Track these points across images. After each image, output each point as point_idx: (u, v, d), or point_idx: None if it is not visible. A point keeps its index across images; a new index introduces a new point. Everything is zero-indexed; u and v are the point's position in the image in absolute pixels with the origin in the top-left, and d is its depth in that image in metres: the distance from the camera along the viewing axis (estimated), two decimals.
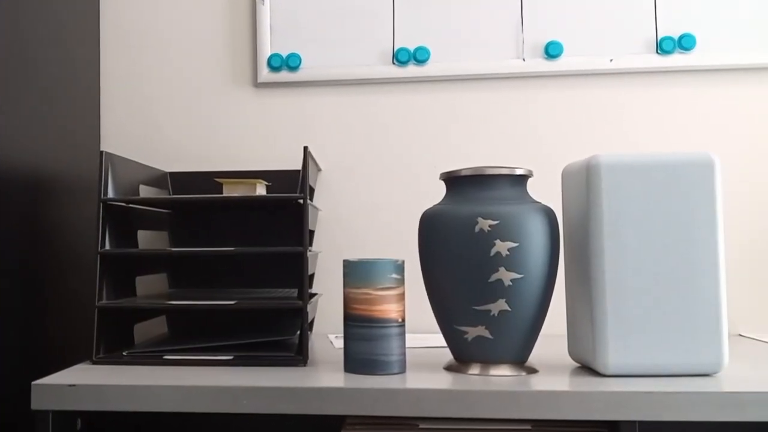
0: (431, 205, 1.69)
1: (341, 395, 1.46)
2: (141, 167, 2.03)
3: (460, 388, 1.45)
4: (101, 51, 2.42)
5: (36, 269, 1.92)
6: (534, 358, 1.75)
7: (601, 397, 1.40)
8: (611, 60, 2.23)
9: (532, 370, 1.59)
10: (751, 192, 2.19)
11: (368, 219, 2.30)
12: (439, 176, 1.71)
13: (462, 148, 2.28)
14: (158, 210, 2.14)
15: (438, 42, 2.29)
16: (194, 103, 2.39)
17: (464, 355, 1.60)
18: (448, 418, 1.49)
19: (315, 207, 2.09)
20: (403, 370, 1.59)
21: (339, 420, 1.48)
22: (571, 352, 1.67)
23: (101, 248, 1.74)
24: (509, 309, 1.53)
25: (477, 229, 1.53)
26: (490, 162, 2.26)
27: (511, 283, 1.52)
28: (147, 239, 2.30)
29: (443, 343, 1.90)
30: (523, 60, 2.26)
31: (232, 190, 1.93)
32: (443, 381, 1.51)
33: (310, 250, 1.82)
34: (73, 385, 1.50)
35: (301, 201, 1.75)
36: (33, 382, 1.51)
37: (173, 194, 2.23)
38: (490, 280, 1.52)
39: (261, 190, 1.97)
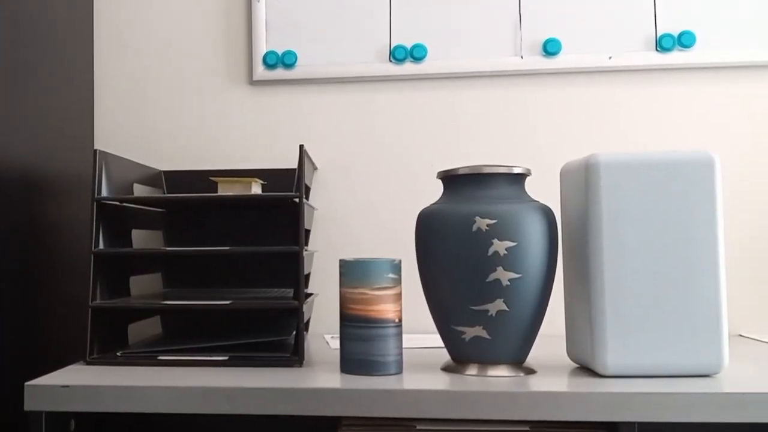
0: (428, 204, 1.69)
1: (337, 396, 1.46)
2: (135, 166, 2.03)
3: (457, 388, 1.44)
4: (95, 49, 2.42)
5: (29, 269, 1.92)
6: (532, 358, 1.75)
7: (599, 398, 1.40)
8: (610, 57, 2.23)
9: (530, 371, 1.59)
10: (751, 191, 2.19)
11: (365, 218, 2.30)
12: (436, 175, 1.71)
13: (459, 146, 2.28)
14: (153, 209, 2.14)
15: (435, 39, 2.28)
16: (189, 101, 2.39)
17: (462, 355, 1.60)
18: (445, 419, 1.48)
19: (311, 206, 2.09)
20: (399, 370, 1.59)
21: (335, 421, 1.48)
22: (570, 353, 1.67)
23: (95, 247, 1.74)
24: (507, 309, 1.53)
25: (474, 228, 1.53)
26: (487, 160, 2.26)
27: (509, 283, 1.52)
28: (141, 238, 2.29)
29: (440, 343, 1.90)
30: (521, 57, 2.26)
31: (227, 189, 1.93)
32: (440, 382, 1.51)
33: (306, 250, 1.82)
34: (67, 386, 1.50)
35: (297, 200, 1.75)
36: (26, 383, 1.50)
37: (168, 193, 2.23)
38: (487, 280, 1.52)
39: (256, 189, 1.97)
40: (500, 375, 1.55)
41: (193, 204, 2.00)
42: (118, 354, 1.74)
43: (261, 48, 2.33)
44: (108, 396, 1.48)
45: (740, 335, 2.13)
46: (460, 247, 1.54)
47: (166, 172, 2.26)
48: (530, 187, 2.23)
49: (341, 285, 1.61)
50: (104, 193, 1.79)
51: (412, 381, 1.51)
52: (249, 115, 2.36)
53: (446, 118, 2.29)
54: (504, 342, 1.56)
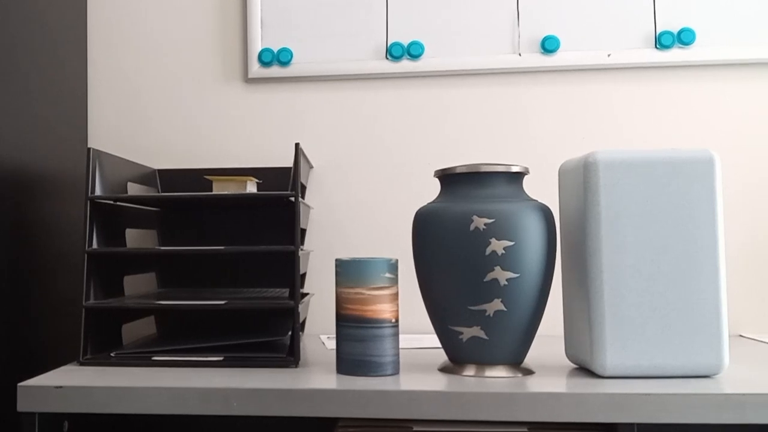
0: (425, 203, 1.69)
1: (333, 397, 1.46)
2: (129, 164, 2.03)
3: (454, 389, 1.44)
4: (88, 46, 2.42)
5: (22, 268, 1.92)
6: (530, 359, 1.74)
7: (598, 399, 1.40)
8: (609, 55, 2.23)
9: (528, 372, 1.59)
10: (751, 190, 2.19)
11: (361, 217, 2.30)
12: (433, 174, 1.70)
13: (457, 144, 2.28)
14: (147, 208, 2.13)
15: (432, 37, 2.28)
16: (183, 99, 2.38)
17: (459, 356, 1.60)
18: (442, 421, 1.49)
19: (307, 205, 2.09)
20: (396, 371, 1.59)
21: (331, 422, 1.48)
22: (568, 353, 1.67)
23: (88, 247, 1.74)
24: (505, 309, 1.53)
25: (472, 227, 1.53)
26: (485, 159, 2.26)
27: (506, 283, 1.52)
28: (135, 238, 2.29)
29: (437, 343, 1.90)
30: (519, 55, 2.26)
31: (222, 188, 1.93)
32: (437, 382, 1.51)
33: (301, 249, 1.82)
34: (60, 387, 1.49)
35: (293, 199, 1.75)
36: (19, 384, 1.50)
37: (162, 192, 2.23)
38: (485, 280, 1.52)
39: (251, 187, 1.96)
40: (498, 376, 1.55)
41: (187, 203, 2.00)
42: (112, 354, 1.73)
43: (256, 45, 2.33)
44: (102, 397, 1.48)
45: (740, 335, 2.13)
46: (457, 246, 1.54)
47: (161, 171, 2.26)
48: (528, 185, 2.23)
49: (337, 285, 1.61)
50: (98, 191, 1.78)
51: (408, 382, 1.51)
52: (244, 113, 2.36)
53: (444, 116, 2.29)
54: (502, 342, 1.56)
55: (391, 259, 1.59)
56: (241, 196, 1.74)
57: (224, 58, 2.38)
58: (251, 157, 2.32)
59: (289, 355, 1.70)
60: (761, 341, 2.02)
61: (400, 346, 1.63)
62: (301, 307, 1.73)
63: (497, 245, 1.52)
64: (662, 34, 2.20)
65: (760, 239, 2.18)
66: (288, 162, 2.31)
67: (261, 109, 2.35)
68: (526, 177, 1.74)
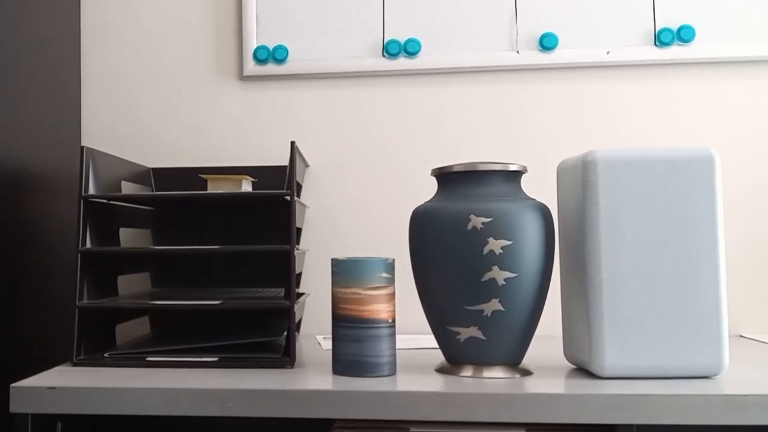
0: (422, 202, 1.69)
1: (329, 398, 1.46)
2: (123, 163, 2.02)
3: (452, 390, 1.44)
4: (82, 43, 2.41)
5: (14, 268, 1.91)
6: (528, 359, 1.74)
7: (597, 400, 1.40)
8: (608, 52, 2.22)
9: (526, 372, 1.59)
10: (751, 189, 2.19)
11: (357, 216, 2.29)
12: (430, 172, 1.70)
13: (454, 143, 2.27)
14: (141, 207, 2.13)
15: (429, 34, 2.28)
16: (178, 96, 2.38)
17: (456, 356, 1.60)
18: (439, 422, 1.48)
19: (302, 204, 2.09)
20: (393, 372, 1.59)
21: (327, 423, 1.48)
22: (567, 354, 1.67)
23: (82, 246, 1.74)
24: (503, 309, 1.53)
25: (470, 226, 1.53)
26: (483, 157, 2.26)
27: (504, 283, 1.52)
28: (129, 237, 2.29)
29: (435, 344, 1.90)
30: (517, 52, 2.26)
31: (216, 187, 1.93)
32: (435, 383, 1.51)
33: (297, 249, 1.82)
34: (53, 388, 1.49)
35: (288, 198, 1.75)
36: (11, 385, 1.50)
37: (156, 191, 2.23)
38: (483, 280, 1.52)
39: (247, 186, 1.96)
40: (496, 376, 1.55)
41: (182, 202, 2.00)
42: (106, 355, 1.73)
43: (251, 42, 2.33)
44: (95, 398, 1.48)
45: (741, 336, 2.13)
46: (454, 245, 1.54)
47: (155, 169, 2.26)
48: (526, 184, 2.23)
49: (333, 284, 1.61)
50: (91, 190, 1.78)
51: (405, 383, 1.51)
52: (239, 111, 2.35)
53: (441, 114, 2.29)
54: (499, 343, 1.56)
55: (387, 259, 1.59)
56: (236, 195, 1.74)
57: (219, 55, 2.38)
58: (246, 156, 2.32)
59: (284, 356, 1.70)
60: (761, 341, 2.02)
61: (397, 347, 1.63)
62: (296, 307, 1.73)
63: (495, 244, 1.52)
64: (662, 31, 2.20)
65: (761, 238, 2.18)
66: (284, 161, 2.31)
67: (256, 107, 2.35)
68: (524, 176, 1.74)
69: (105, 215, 1.87)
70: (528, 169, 1.68)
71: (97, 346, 1.80)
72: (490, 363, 1.57)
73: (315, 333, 2.25)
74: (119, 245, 1.96)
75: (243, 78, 2.36)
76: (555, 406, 1.40)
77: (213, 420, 2.24)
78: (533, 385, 1.48)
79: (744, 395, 1.38)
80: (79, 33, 2.39)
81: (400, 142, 2.30)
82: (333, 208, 2.31)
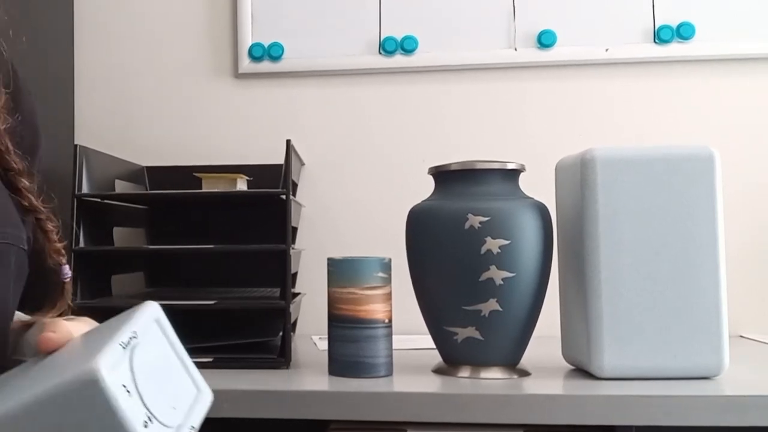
0: (419, 201, 1.69)
1: (325, 399, 1.45)
2: (117, 161, 2.02)
3: (449, 391, 1.44)
4: (75, 40, 2.41)
5: None
6: (526, 360, 1.74)
7: (596, 401, 1.40)
8: (607, 50, 2.22)
9: (524, 373, 1.59)
10: (752, 187, 2.18)
11: (353, 215, 2.29)
12: (427, 171, 1.70)
13: (451, 141, 2.27)
14: (135, 206, 2.13)
15: (426, 31, 2.28)
16: (172, 94, 2.38)
17: (454, 357, 1.60)
18: (436, 423, 1.48)
19: (298, 203, 2.08)
20: (389, 372, 1.59)
21: (323, 425, 1.48)
22: (565, 354, 1.67)
23: (75, 246, 1.73)
24: (500, 309, 1.53)
25: (467, 225, 1.53)
26: (480, 156, 2.25)
27: (502, 282, 1.52)
28: (123, 236, 2.29)
29: (432, 344, 1.90)
30: (515, 50, 2.26)
31: (211, 185, 1.93)
32: (432, 384, 1.51)
33: (293, 248, 1.82)
34: None
35: (284, 196, 1.75)
36: None
37: (150, 189, 2.22)
38: (480, 279, 1.52)
39: (242, 185, 1.96)
40: (493, 377, 1.55)
41: (176, 200, 2.00)
42: None
43: (246, 40, 2.33)
44: None
45: (741, 336, 2.12)
46: (452, 245, 1.54)
47: (149, 168, 2.25)
48: (524, 183, 2.22)
49: (329, 284, 1.60)
50: (85, 189, 1.78)
51: (402, 383, 1.51)
52: (234, 109, 2.35)
53: (438, 112, 2.29)
54: (497, 343, 1.56)
55: (384, 258, 1.59)
56: (231, 194, 1.74)
57: (214, 52, 2.38)
58: (241, 154, 2.32)
59: (280, 356, 1.70)
60: (762, 342, 2.02)
61: (394, 347, 1.62)
62: (292, 307, 1.72)
63: (492, 244, 1.51)
64: (661, 28, 2.20)
65: (761, 237, 2.18)
66: (279, 159, 2.30)
67: (251, 105, 2.35)
68: (522, 174, 1.74)
69: (98, 214, 1.87)
70: (526, 167, 1.67)
71: None
72: (488, 363, 1.57)
73: (311, 333, 2.24)
74: (113, 245, 1.96)
75: (238, 76, 2.36)
76: (553, 407, 1.40)
77: (207, 421, 2.23)
78: (531, 386, 1.48)
79: (744, 396, 1.38)
80: (73, 30, 2.38)
81: (396, 141, 2.29)
82: (329, 206, 2.30)
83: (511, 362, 1.59)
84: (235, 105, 2.35)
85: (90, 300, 1.78)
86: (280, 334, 1.80)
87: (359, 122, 2.31)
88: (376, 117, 2.31)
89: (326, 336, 1.62)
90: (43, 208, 1.19)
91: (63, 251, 1.19)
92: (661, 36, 2.20)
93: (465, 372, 1.57)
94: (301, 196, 2.29)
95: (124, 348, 0.81)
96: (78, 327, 1.00)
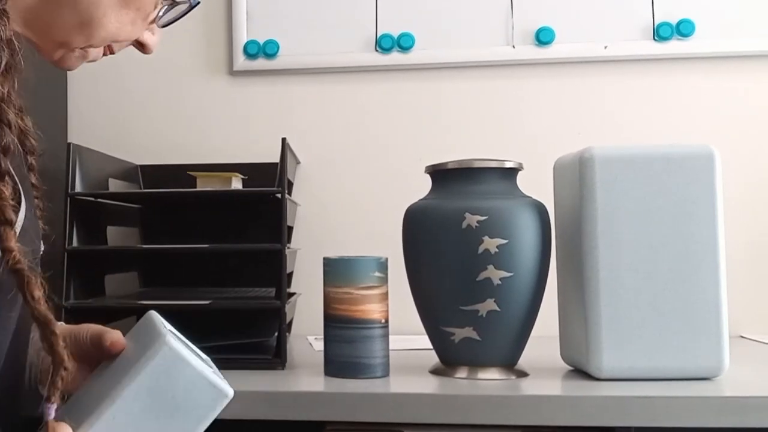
0: (416, 200, 1.69)
1: (321, 400, 1.46)
2: (110, 160, 2.02)
3: (446, 392, 1.44)
4: None
5: None
6: (524, 360, 1.74)
7: (594, 402, 1.40)
8: (606, 47, 2.22)
9: (522, 374, 1.59)
10: (753, 186, 2.18)
11: (350, 214, 2.29)
12: (424, 169, 1.70)
13: (449, 139, 2.27)
14: (128, 205, 2.13)
15: (423, 28, 2.28)
16: (166, 92, 2.38)
17: (451, 357, 1.60)
18: (433, 425, 1.48)
19: (294, 202, 2.08)
20: (386, 373, 1.59)
21: (319, 426, 1.48)
22: (564, 355, 1.67)
23: (68, 245, 1.73)
24: (498, 309, 1.53)
25: (464, 224, 1.53)
26: (478, 154, 2.25)
27: (500, 282, 1.52)
28: (117, 236, 2.28)
29: (429, 345, 1.90)
30: (513, 47, 2.26)
31: (206, 184, 1.93)
32: (428, 385, 1.51)
33: (288, 248, 1.82)
34: None
35: (279, 195, 1.75)
36: None
37: (144, 188, 2.22)
38: (478, 279, 1.52)
39: (237, 183, 1.96)
40: (491, 378, 1.55)
41: (170, 199, 2.00)
42: None
43: (241, 37, 2.32)
44: None
45: (741, 336, 2.12)
46: (449, 244, 1.54)
47: (143, 167, 2.25)
48: (522, 182, 2.22)
49: (325, 284, 1.60)
50: (78, 188, 1.78)
51: (398, 384, 1.51)
52: (229, 106, 2.35)
53: (435, 110, 2.29)
54: (495, 343, 1.56)
55: (380, 258, 1.59)
56: (226, 193, 1.74)
57: (208, 50, 2.37)
58: (236, 153, 2.31)
59: (275, 357, 1.70)
60: (763, 342, 2.02)
61: (390, 348, 1.62)
62: (287, 307, 1.72)
63: (490, 243, 1.51)
64: (660, 25, 2.20)
65: (762, 237, 2.18)
66: (274, 157, 2.29)
67: (246, 103, 2.35)
68: (520, 173, 1.74)
69: (92, 213, 1.87)
70: (524, 166, 1.67)
71: None
72: (486, 364, 1.57)
73: (306, 334, 2.24)
74: (106, 244, 1.96)
75: (233, 73, 2.36)
76: (551, 408, 1.40)
77: None
78: (529, 387, 1.48)
79: (745, 397, 1.38)
80: None
81: (393, 139, 2.29)
82: (325, 205, 2.30)
83: (509, 363, 1.59)
84: (230, 103, 2.35)
85: (83, 300, 1.77)
86: (276, 334, 1.80)
87: (355, 120, 2.31)
88: (372, 115, 2.31)
89: (322, 336, 1.62)
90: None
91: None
92: (660, 33, 2.19)
93: (462, 373, 1.57)
94: (297, 195, 2.29)
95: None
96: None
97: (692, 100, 2.21)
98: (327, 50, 2.30)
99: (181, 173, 2.19)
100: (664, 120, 2.21)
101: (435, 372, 1.62)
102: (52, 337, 0.91)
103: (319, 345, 1.94)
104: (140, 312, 2.13)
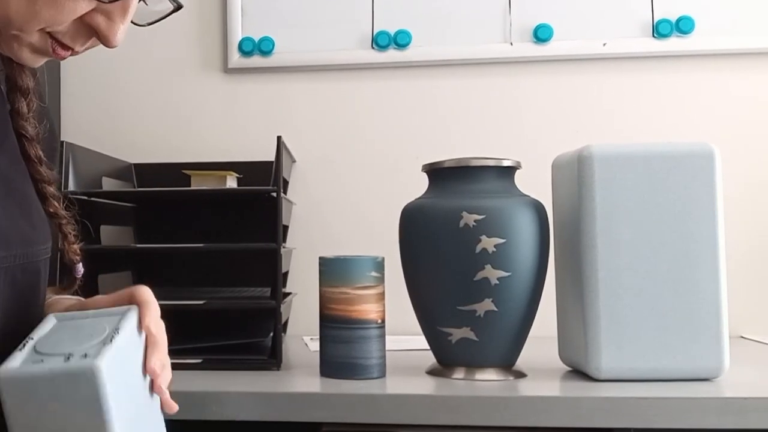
0: (413, 199, 1.69)
1: (317, 401, 1.45)
2: (104, 158, 2.02)
3: (443, 393, 1.44)
4: None
5: None
6: (522, 361, 1.74)
7: (593, 403, 1.40)
8: (604, 44, 2.22)
9: (520, 375, 1.59)
10: (753, 185, 2.18)
11: (346, 213, 2.29)
12: (421, 168, 1.70)
13: (446, 138, 2.27)
14: (122, 204, 2.12)
15: (420, 25, 2.28)
16: (160, 89, 2.37)
17: (448, 358, 1.60)
18: (430, 426, 1.48)
19: (289, 201, 2.08)
20: (382, 374, 1.58)
21: (315, 427, 1.48)
22: (562, 356, 1.67)
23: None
24: (496, 309, 1.53)
25: (462, 224, 1.53)
26: (475, 153, 2.25)
27: (497, 282, 1.52)
28: (110, 235, 2.28)
29: (425, 345, 1.90)
30: (511, 44, 2.25)
31: (200, 183, 1.92)
32: (425, 386, 1.51)
33: (284, 247, 1.82)
34: None
35: (275, 194, 1.75)
36: None
37: (138, 187, 2.22)
38: (475, 279, 1.52)
39: (231, 182, 1.96)
40: (488, 379, 1.55)
41: (164, 198, 2.00)
42: None
43: (236, 34, 2.32)
44: None
45: (741, 337, 2.12)
46: (446, 243, 1.54)
47: (137, 165, 2.25)
48: (520, 180, 2.22)
49: (321, 284, 1.60)
50: (71, 187, 1.78)
51: (395, 385, 1.51)
52: (224, 104, 2.35)
53: (432, 108, 2.29)
54: (492, 344, 1.56)
55: (377, 257, 1.59)
56: (221, 192, 1.74)
57: (203, 47, 2.37)
58: (231, 151, 2.31)
59: (270, 357, 1.70)
60: (763, 343, 2.02)
61: (387, 348, 1.62)
62: (283, 308, 1.72)
63: (488, 243, 1.51)
64: (660, 22, 2.20)
65: (762, 236, 2.18)
66: (270, 156, 2.29)
67: (241, 101, 2.34)
68: (517, 171, 1.74)
69: (85, 212, 1.86)
70: (522, 164, 1.67)
71: None
72: (483, 365, 1.56)
73: (302, 334, 2.24)
74: (100, 243, 1.95)
75: (227, 71, 2.35)
76: (550, 410, 1.40)
77: (196, 423, 2.23)
78: (527, 388, 1.48)
79: (745, 398, 1.38)
80: None
81: (389, 137, 2.29)
82: (320, 204, 2.30)
83: (507, 363, 1.59)
84: (224, 101, 2.35)
85: None
86: (271, 334, 1.80)
87: (352, 118, 2.31)
88: (368, 113, 2.30)
89: (318, 337, 1.62)
90: (65, 214, 1.22)
91: (79, 252, 1.25)
92: (660, 30, 2.19)
93: (459, 373, 1.57)
94: (292, 193, 2.29)
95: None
96: None
97: (692, 97, 2.21)
98: (323, 47, 2.30)
99: (176, 172, 2.19)
100: (663, 118, 2.21)
101: (432, 373, 1.62)
102: None
103: (315, 345, 1.94)
104: None
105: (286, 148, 2.03)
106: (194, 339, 1.85)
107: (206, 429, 2.21)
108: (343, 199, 2.29)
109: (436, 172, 1.65)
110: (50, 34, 1.05)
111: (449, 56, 2.26)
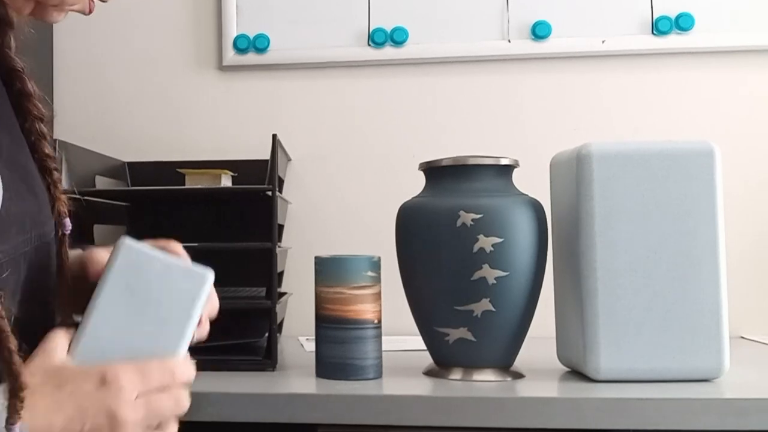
0: (410, 198, 1.69)
1: (313, 402, 1.45)
2: (97, 157, 2.01)
3: (440, 394, 1.44)
4: (54, 31, 2.40)
5: None
6: (520, 362, 1.74)
7: (592, 404, 1.40)
8: (603, 41, 2.22)
9: (518, 375, 1.59)
10: (753, 184, 2.18)
11: (342, 212, 2.29)
12: (418, 166, 1.70)
13: (443, 136, 2.27)
14: (116, 203, 2.12)
15: (417, 22, 2.28)
16: (154, 87, 2.37)
17: (445, 358, 1.60)
18: (427, 427, 1.48)
19: (284, 200, 2.08)
20: (379, 375, 1.58)
21: (311, 429, 1.48)
22: (560, 356, 1.67)
23: None
24: (493, 309, 1.53)
25: (459, 223, 1.53)
26: (473, 151, 2.25)
27: (495, 282, 1.52)
28: (104, 234, 2.28)
29: (422, 346, 1.90)
30: (509, 41, 2.25)
31: (195, 181, 1.92)
32: (422, 387, 1.51)
33: (279, 246, 1.82)
34: None
35: (270, 193, 1.75)
36: None
37: (132, 186, 2.22)
38: (472, 279, 1.52)
39: (226, 181, 1.96)
40: (486, 380, 1.55)
41: (158, 197, 1.99)
42: None
43: (231, 31, 2.32)
44: None
45: (742, 337, 2.12)
46: (443, 243, 1.54)
47: (130, 164, 2.25)
48: (518, 179, 2.22)
49: (317, 284, 1.60)
50: (64, 185, 1.77)
51: (392, 386, 1.51)
52: (218, 102, 2.35)
53: (429, 105, 2.29)
54: (490, 344, 1.56)
55: (373, 257, 1.59)
56: (215, 190, 1.74)
57: (197, 44, 2.37)
58: (226, 149, 2.31)
59: (265, 358, 1.70)
60: (764, 343, 2.02)
61: (383, 349, 1.62)
62: (278, 308, 1.72)
63: (485, 242, 1.51)
64: (659, 19, 2.20)
65: (763, 235, 2.18)
66: (265, 154, 2.29)
67: (236, 99, 2.34)
68: (515, 170, 1.74)
69: (78, 211, 1.86)
70: (520, 163, 1.67)
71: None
72: (480, 365, 1.56)
73: (297, 334, 2.24)
74: (93, 243, 1.95)
75: (222, 68, 2.35)
76: (548, 411, 1.40)
77: (191, 425, 2.23)
78: (525, 389, 1.48)
79: (745, 399, 1.38)
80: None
81: (386, 135, 2.29)
82: (316, 203, 2.30)
83: (505, 364, 1.59)
84: (219, 98, 2.35)
85: None
86: (266, 335, 1.80)
87: (348, 116, 2.31)
88: (365, 111, 2.30)
89: (313, 337, 1.62)
90: (64, 197, 1.24)
91: (67, 203, 1.25)
92: (659, 27, 2.19)
93: (457, 374, 1.57)
94: (288, 192, 2.29)
95: None
96: None
97: (692, 95, 2.21)
98: (319, 45, 2.30)
99: (170, 170, 2.19)
100: (662, 116, 2.21)
101: (429, 373, 1.62)
102: (7, 354, 0.84)
103: (311, 346, 1.94)
104: None
105: (282, 147, 2.03)
106: None
107: (200, 431, 2.21)
108: (339, 198, 2.29)
109: (433, 171, 1.64)
110: None
111: (446, 54, 2.26)
